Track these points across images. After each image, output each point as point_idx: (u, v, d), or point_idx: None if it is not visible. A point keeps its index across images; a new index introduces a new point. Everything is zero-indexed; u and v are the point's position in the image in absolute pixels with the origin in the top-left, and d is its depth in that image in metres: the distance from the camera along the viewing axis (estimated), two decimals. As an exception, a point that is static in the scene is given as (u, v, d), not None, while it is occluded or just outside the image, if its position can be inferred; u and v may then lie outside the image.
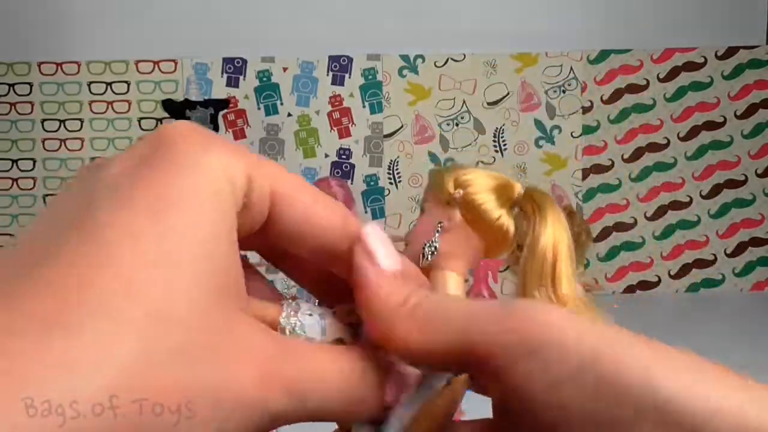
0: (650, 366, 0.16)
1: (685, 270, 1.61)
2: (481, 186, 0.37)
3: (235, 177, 0.17)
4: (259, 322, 0.17)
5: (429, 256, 0.36)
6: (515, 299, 0.20)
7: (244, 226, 0.17)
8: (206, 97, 1.50)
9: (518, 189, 0.34)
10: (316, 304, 0.21)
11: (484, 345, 0.18)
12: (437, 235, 0.37)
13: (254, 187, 0.17)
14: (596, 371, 0.16)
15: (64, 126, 1.56)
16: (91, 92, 1.56)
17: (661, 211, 1.60)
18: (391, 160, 1.58)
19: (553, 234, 0.33)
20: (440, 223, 0.37)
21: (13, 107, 1.55)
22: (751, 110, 1.58)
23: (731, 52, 1.57)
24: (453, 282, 0.37)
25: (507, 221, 0.35)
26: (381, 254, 0.19)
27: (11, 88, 1.55)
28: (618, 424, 0.16)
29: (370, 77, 1.56)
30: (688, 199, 1.60)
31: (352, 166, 1.58)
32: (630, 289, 1.61)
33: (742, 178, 1.59)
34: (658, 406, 0.16)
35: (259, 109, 1.56)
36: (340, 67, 1.56)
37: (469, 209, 0.37)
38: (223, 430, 0.15)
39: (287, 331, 0.19)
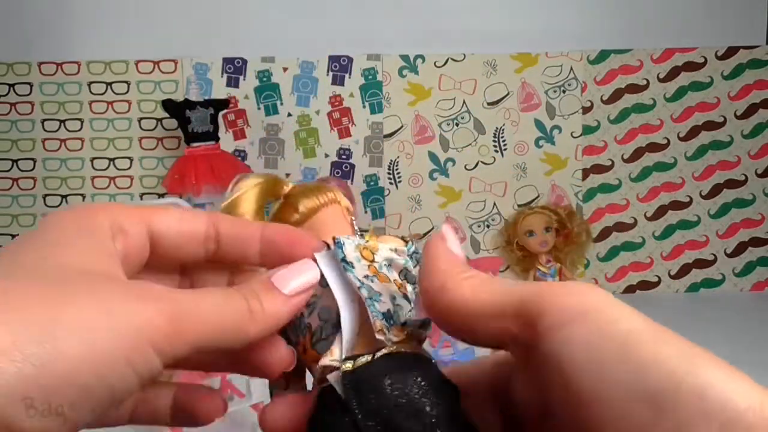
0: (689, 353, 0.18)
1: (685, 270, 1.61)
2: None
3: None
4: None
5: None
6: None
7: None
8: (206, 97, 1.51)
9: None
10: None
11: (538, 304, 0.20)
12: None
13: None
14: (640, 351, 0.18)
15: (64, 126, 1.56)
16: (91, 92, 1.56)
17: (661, 211, 1.60)
18: (391, 160, 1.58)
19: None
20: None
21: (13, 107, 1.55)
22: (751, 110, 1.58)
23: (731, 52, 1.57)
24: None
25: None
26: (452, 241, 0.24)
27: (11, 88, 1.55)
28: (657, 402, 0.17)
29: (370, 77, 1.56)
30: (688, 199, 1.60)
31: (352, 166, 1.58)
32: (630, 289, 1.61)
33: (742, 178, 1.59)
34: (696, 391, 0.17)
35: (259, 109, 1.56)
36: (340, 67, 1.56)
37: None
38: None
39: None
